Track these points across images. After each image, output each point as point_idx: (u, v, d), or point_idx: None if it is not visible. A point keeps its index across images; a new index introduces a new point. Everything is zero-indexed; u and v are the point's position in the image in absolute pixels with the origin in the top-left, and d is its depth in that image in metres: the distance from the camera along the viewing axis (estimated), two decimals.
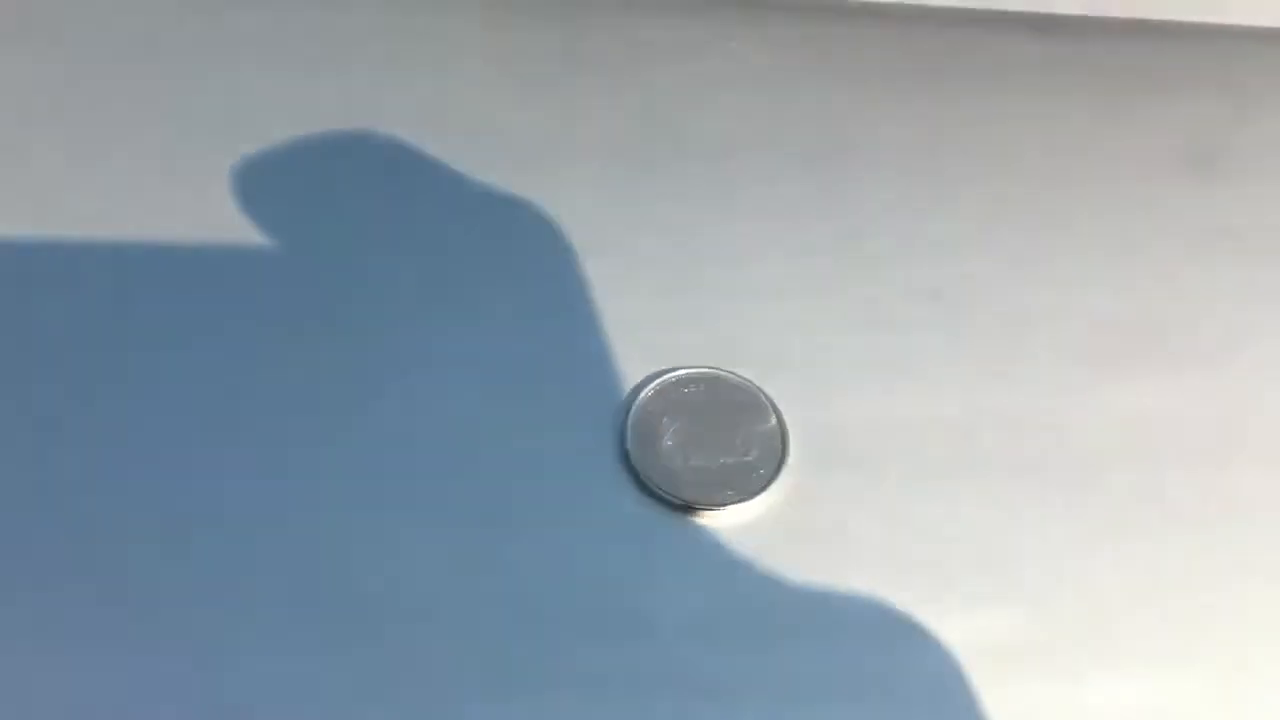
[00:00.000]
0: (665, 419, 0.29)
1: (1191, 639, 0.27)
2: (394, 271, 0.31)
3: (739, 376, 0.30)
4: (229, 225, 0.32)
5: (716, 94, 0.36)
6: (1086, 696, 0.26)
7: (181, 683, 0.25)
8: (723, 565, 0.28)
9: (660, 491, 0.28)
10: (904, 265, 0.33)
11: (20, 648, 0.25)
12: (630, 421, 0.29)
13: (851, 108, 0.36)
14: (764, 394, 0.30)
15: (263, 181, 0.33)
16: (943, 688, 0.26)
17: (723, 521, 0.28)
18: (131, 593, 0.26)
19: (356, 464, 0.28)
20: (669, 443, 0.29)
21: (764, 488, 0.28)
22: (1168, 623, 0.27)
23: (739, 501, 0.28)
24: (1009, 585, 0.28)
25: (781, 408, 0.30)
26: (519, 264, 0.32)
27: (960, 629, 0.27)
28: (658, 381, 0.30)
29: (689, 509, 0.28)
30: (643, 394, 0.29)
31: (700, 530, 0.28)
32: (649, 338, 0.31)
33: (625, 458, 0.29)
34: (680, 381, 0.30)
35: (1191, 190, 0.35)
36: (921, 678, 0.26)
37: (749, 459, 0.29)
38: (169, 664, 0.25)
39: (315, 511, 0.28)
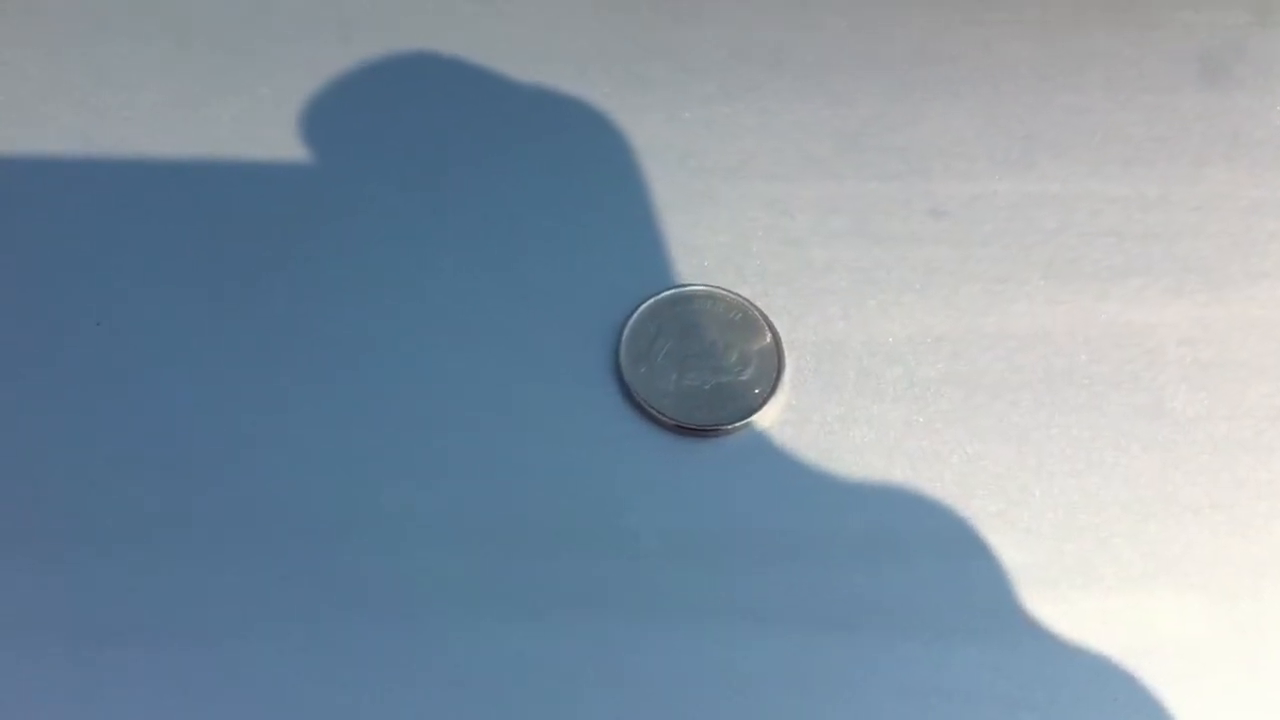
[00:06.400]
0: (659, 338, 0.29)
1: (1194, 558, 0.27)
2: (393, 184, 0.31)
3: (734, 294, 0.29)
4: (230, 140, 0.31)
5: (718, 6, 0.35)
6: (1085, 615, 0.26)
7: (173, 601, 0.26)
8: (713, 485, 0.27)
9: (652, 410, 0.28)
10: (904, 180, 0.32)
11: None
12: (623, 339, 0.29)
13: (852, 20, 0.35)
14: (759, 311, 0.29)
15: (283, 99, 0.32)
16: (933, 609, 0.26)
17: (716, 441, 0.28)
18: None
19: (353, 380, 0.28)
20: (661, 361, 0.28)
21: (758, 407, 0.28)
22: (1169, 542, 0.27)
23: (732, 421, 0.28)
24: (1006, 505, 0.28)
25: (777, 326, 0.29)
26: (516, 181, 0.31)
27: (955, 549, 0.27)
28: (651, 300, 0.29)
29: (681, 428, 0.28)
30: (636, 312, 0.29)
31: (692, 450, 0.28)
32: (645, 256, 0.30)
33: (618, 375, 0.28)
34: (674, 299, 0.29)
35: (1203, 99, 0.34)
36: (912, 598, 0.26)
37: (744, 378, 0.28)
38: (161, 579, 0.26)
39: (310, 427, 0.28)
